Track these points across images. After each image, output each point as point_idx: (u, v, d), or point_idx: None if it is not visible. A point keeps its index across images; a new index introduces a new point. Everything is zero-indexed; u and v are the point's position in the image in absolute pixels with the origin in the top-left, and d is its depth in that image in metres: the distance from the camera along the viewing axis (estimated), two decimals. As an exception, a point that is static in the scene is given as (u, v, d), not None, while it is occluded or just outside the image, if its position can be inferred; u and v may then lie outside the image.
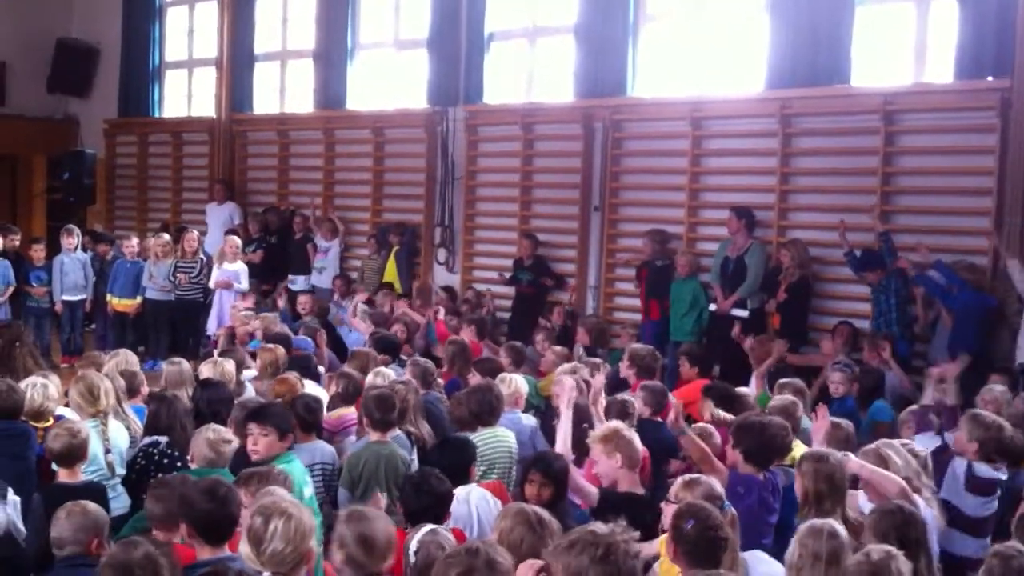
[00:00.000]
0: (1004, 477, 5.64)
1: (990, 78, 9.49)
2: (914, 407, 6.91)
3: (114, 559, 3.79)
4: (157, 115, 17.39)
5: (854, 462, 5.21)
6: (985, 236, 9.43)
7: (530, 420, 7.33)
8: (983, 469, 5.62)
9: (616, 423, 5.88)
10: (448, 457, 5.63)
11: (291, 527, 3.92)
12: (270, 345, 8.51)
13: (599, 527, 3.64)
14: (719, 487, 4.87)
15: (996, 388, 7.26)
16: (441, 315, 11.06)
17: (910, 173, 10.18)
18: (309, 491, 5.57)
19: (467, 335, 9.84)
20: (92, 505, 4.61)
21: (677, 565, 4.26)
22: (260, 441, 5.63)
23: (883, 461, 5.28)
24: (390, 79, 14.36)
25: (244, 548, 3.96)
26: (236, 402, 6.53)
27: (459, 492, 5.39)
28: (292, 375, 7.43)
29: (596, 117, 12.02)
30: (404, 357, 8.87)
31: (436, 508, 4.89)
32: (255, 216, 14.97)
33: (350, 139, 14.81)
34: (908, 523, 4.45)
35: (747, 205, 10.71)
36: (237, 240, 13.10)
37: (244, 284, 12.58)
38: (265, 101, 16.02)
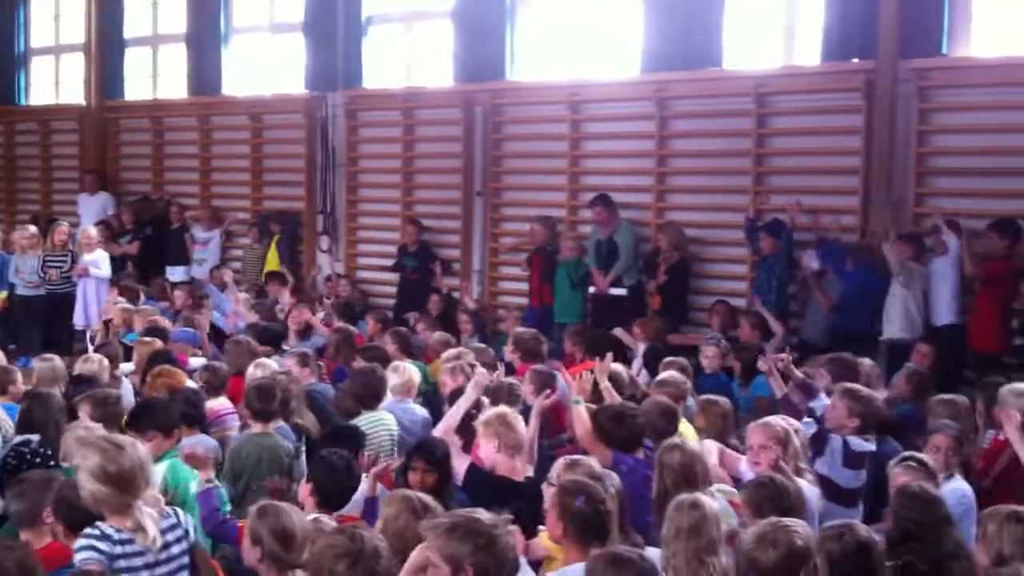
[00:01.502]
0: (873, 448, 5.85)
1: (856, 60, 9.80)
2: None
3: None
4: (24, 103, 16.76)
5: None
6: (854, 215, 9.75)
7: (422, 411, 7.27)
8: (857, 443, 5.81)
9: (501, 408, 5.89)
10: (336, 445, 5.57)
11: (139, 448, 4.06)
12: (147, 339, 8.31)
13: (483, 515, 3.67)
14: (598, 467, 4.94)
15: (866, 362, 7.52)
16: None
17: (781, 154, 10.47)
18: (195, 485, 5.45)
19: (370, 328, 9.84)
20: None
21: (562, 545, 4.28)
22: (146, 445, 5.43)
23: (775, 437, 5.36)
24: (266, 64, 14.13)
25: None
26: (82, 397, 6.23)
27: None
28: (171, 368, 7.26)
29: (476, 101, 12.04)
30: (286, 347, 8.76)
31: (350, 493, 4.99)
32: (129, 206, 14.57)
33: (227, 125, 14.53)
34: (782, 494, 4.57)
35: (622, 187, 10.92)
36: (91, 230, 12.66)
37: (104, 270, 12.19)
38: (137, 87, 15.58)
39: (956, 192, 9.48)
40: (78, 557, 3.80)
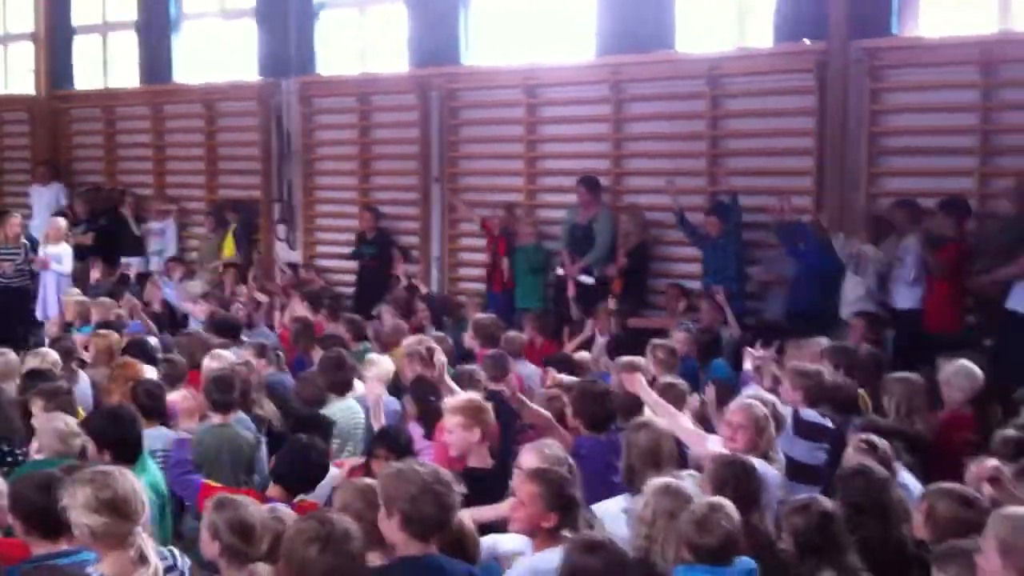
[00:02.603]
0: (829, 424, 5.91)
1: (807, 41, 9.85)
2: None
3: None
4: (-29, 94, 16.51)
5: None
6: (808, 195, 9.83)
7: (394, 401, 7.23)
8: (809, 413, 5.89)
9: (473, 395, 5.91)
10: (304, 433, 5.56)
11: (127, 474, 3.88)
12: (103, 331, 8.24)
13: (428, 467, 3.90)
14: (562, 451, 4.98)
15: (822, 341, 7.63)
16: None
17: (736, 136, 10.52)
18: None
19: (299, 307, 9.72)
20: None
21: (537, 533, 4.30)
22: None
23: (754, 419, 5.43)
24: (218, 50, 13.99)
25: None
26: (33, 392, 6.12)
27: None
28: (130, 360, 7.21)
29: (431, 86, 11.99)
30: (244, 338, 8.71)
31: (318, 479, 5.02)
32: (82, 197, 14.38)
33: (180, 114, 14.38)
34: (744, 474, 4.65)
35: (580, 171, 10.81)
36: (61, 221, 12.56)
37: (67, 266, 12.06)
38: (87, 76, 15.37)
39: (908, 171, 9.59)
40: None
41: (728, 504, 4.12)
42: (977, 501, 4.38)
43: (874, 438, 5.25)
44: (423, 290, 11.27)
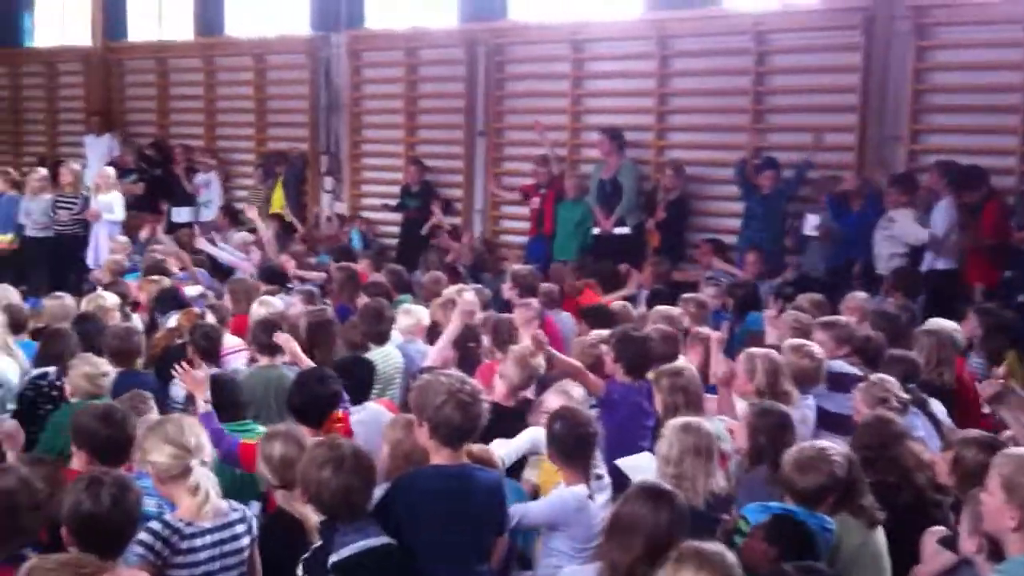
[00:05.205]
0: (859, 372, 6.02)
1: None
2: None
3: None
4: (29, 44, 16.82)
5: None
6: (850, 152, 9.85)
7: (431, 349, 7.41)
8: (838, 365, 6.01)
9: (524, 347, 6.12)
10: (348, 376, 5.71)
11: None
12: (155, 277, 8.50)
13: (455, 376, 4.15)
14: (581, 393, 5.20)
15: (859, 295, 7.72)
16: None
17: (780, 92, 10.53)
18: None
19: (364, 267, 9.94)
20: None
21: (553, 463, 4.58)
22: None
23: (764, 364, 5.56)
24: (270, 4, 14.16)
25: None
26: (108, 330, 6.49)
27: (353, 408, 5.58)
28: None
29: (478, 41, 12.09)
30: (290, 286, 8.94)
31: (330, 407, 5.15)
32: (134, 147, 14.68)
33: (231, 67, 14.62)
34: (779, 424, 4.79)
35: (624, 126, 10.89)
36: (108, 171, 12.77)
37: (118, 214, 12.30)
38: (141, 28, 15.63)
39: (950, 129, 9.59)
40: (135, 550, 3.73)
41: (839, 454, 4.24)
42: (1000, 445, 4.49)
43: (880, 391, 5.34)
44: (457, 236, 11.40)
